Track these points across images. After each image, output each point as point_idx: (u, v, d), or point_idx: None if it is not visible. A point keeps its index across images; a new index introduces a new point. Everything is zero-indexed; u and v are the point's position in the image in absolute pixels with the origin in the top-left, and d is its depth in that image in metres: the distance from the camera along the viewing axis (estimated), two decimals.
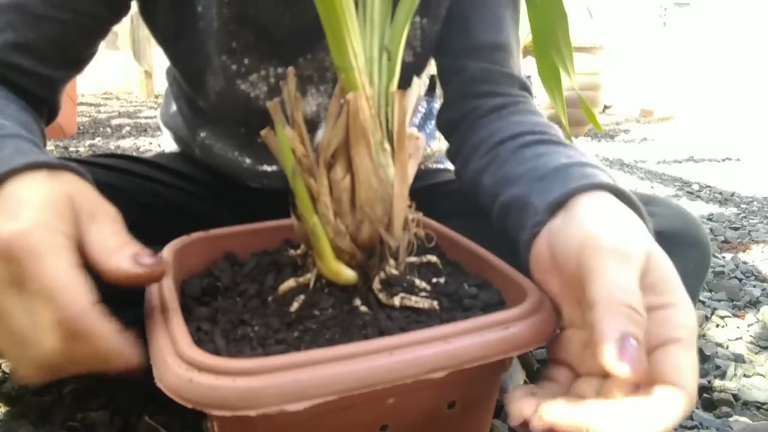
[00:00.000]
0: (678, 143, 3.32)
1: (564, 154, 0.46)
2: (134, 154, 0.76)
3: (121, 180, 0.63)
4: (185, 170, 0.72)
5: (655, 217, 0.50)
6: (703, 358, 0.80)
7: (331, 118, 0.37)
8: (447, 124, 0.64)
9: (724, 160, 2.75)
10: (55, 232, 0.32)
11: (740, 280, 1.13)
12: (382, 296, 0.39)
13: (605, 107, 4.99)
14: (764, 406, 0.68)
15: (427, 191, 0.69)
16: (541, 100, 2.99)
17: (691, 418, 0.65)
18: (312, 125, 0.38)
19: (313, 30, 0.57)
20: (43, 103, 0.54)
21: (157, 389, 0.30)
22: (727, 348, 0.85)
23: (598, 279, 0.32)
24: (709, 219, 1.64)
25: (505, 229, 0.47)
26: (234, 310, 0.39)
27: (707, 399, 0.69)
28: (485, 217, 0.52)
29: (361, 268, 0.40)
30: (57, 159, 0.37)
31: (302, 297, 0.39)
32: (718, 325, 0.92)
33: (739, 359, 0.80)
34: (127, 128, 3.37)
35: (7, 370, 0.68)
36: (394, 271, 0.40)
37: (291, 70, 0.38)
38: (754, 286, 1.10)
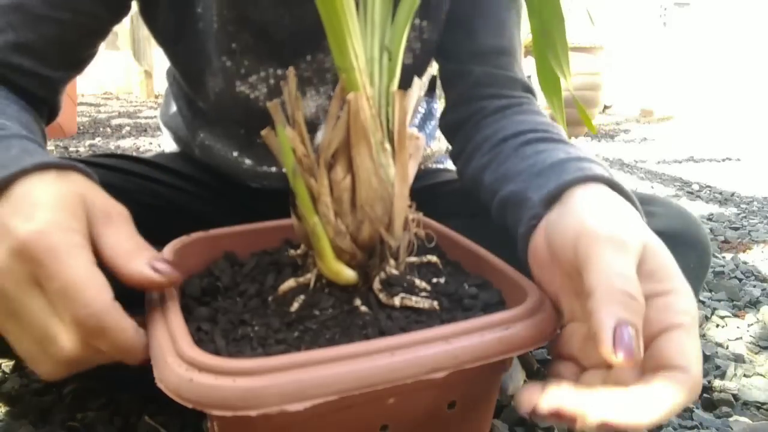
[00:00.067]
0: (678, 143, 3.32)
1: (563, 151, 0.47)
2: (134, 154, 0.76)
3: (121, 180, 0.63)
4: (185, 170, 0.72)
5: (655, 217, 0.50)
6: (703, 358, 0.80)
7: (331, 119, 0.37)
8: (451, 125, 0.64)
9: (724, 160, 2.75)
10: (71, 231, 0.33)
11: (740, 280, 1.13)
12: (382, 296, 0.39)
13: (605, 107, 5.00)
14: (764, 406, 0.69)
15: (427, 191, 0.69)
16: (541, 100, 2.99)
17: (691, 418, 0.65)
18: (311, 127, 0.38)
19: (312, 32, 0.57)
20: (43, 104, 0.54)
21: (157, 389, 0.30)
22: (727, 348, 0.85)
23: (595, 267, 0.32)
24: (709, 219, 1.64)
25: (504, 225, 0.48)
26: (234, 310, 0.39)
27: (707, 399, 0.69)
28: (485, 217, 0.52)
29: (362, 268, 0.40)
30: (63, 159, 0.38)
31: (302, 297, 0.39)
32: (718, 325, 0.92)
33: (739, 359, 0.80)
34: (127, 128, 3.37)
35: (7, 371, 0.68)
36: (395, 271, 0.40)
37: (291, 70, 0.38)
38: (754, 286, 1.10)
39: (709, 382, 0.72)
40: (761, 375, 0.76)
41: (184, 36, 0.59)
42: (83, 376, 0.35)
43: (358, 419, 0.34)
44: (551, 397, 0.31)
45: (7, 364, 0.69)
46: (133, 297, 0.37)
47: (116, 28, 0.63)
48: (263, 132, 0.38)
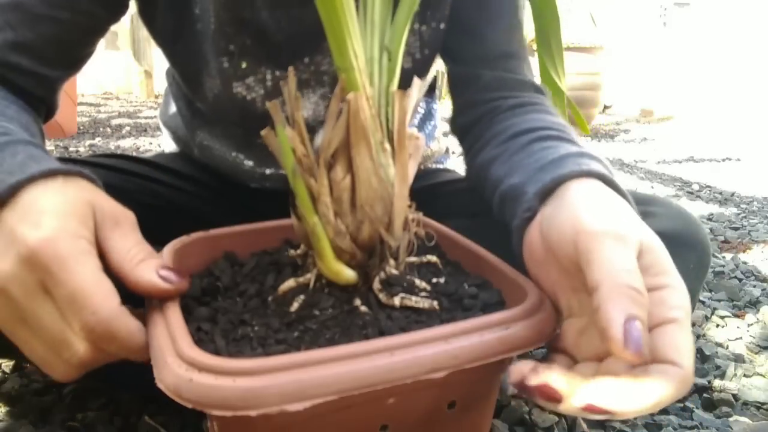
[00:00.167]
0: (678, 143, 3.32)
1: (567, 148, 0.47)
2: (134, 154, 0.76)
3: (121, 180, 0.64)
4: (185, 170, 0.72)
5: (655, 217, 0.50)
6: (703, 358, 0.80)
7: (331, 119, 0.37)
8: (462, 127, 0.64)
9: (724, 160, 2.75)
10: (78, 238, 0.34)
11: (740, 280, 1.13)
12: (382, 296, 0.39)
13: (605, 107, 5.00)
14: (764, 406, 0.68)
15: (427, 191, 0.69)
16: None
17: (691, 418, 0.65)
18: (308, 129, 0.38)
19: (310, 34, 0.57)
20: (41, 102, 0.54)
21: (157, 389, 0.30)
22: (727, 348, 0.85)
23: (598, 262, 0.32)
24: (709, 219, 1.64)
25: (503, 219, 0.48)
26: (234, 310, 0.39)
27: (707, 399, 0.69)
28: (485, 217, 0.52)
29: (361, 268, 0.40)
30: (68, 165, 0.38)
31: (302, 297, 0.39)
32: (718, 325, 0.92)
33: (739, 359, 0.80)
34: (127, 128, 3.37)
35: (7, 371, 0.68)
36: (394, 271, 0.40)
37: (291, 70, 0.38)
38: (754, 286, 1.09)
39: (709, 382, 0.72)
40: (761, 375, 0.76)
41: (182, 37, 0.59)
42: (83, 376, 0.36)
43: (357, 419, 0.34)
44: (541, 373, 0.31)
45: (7, 364, 0.69)
46: (133, 297, 0.37)
47: (116, 27, 0.63)
48: (263, 132, 0.38)
